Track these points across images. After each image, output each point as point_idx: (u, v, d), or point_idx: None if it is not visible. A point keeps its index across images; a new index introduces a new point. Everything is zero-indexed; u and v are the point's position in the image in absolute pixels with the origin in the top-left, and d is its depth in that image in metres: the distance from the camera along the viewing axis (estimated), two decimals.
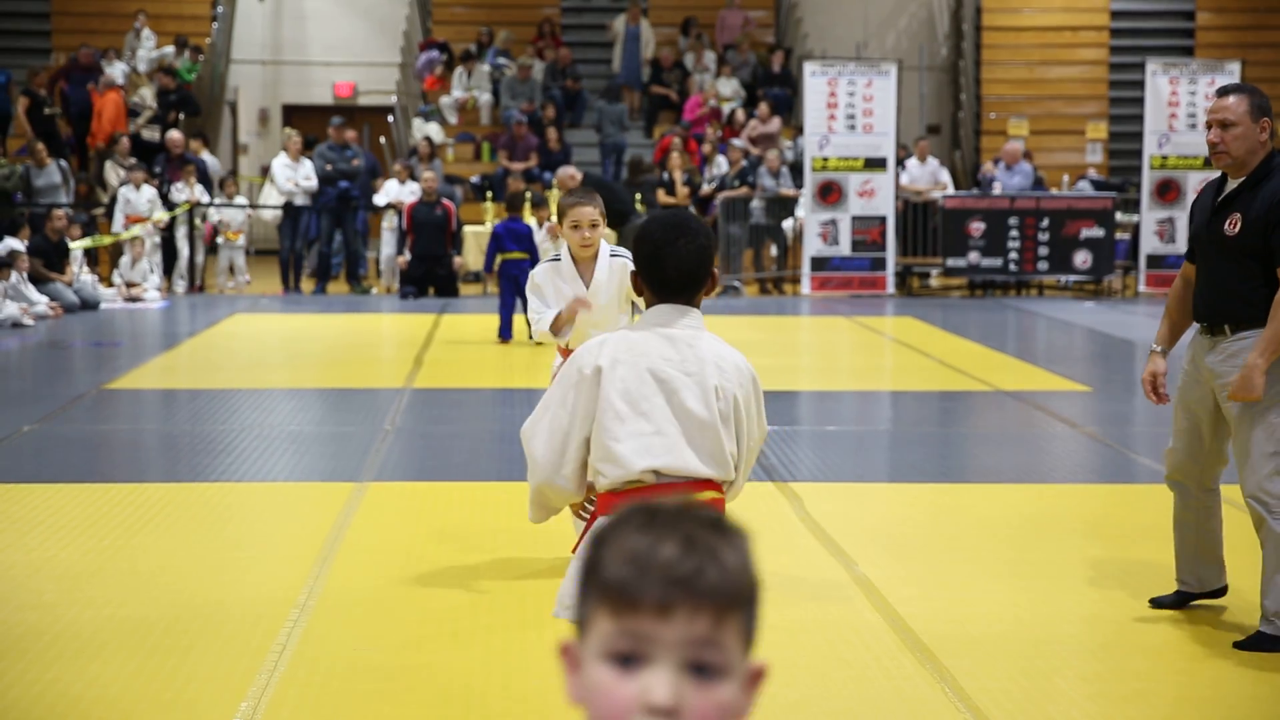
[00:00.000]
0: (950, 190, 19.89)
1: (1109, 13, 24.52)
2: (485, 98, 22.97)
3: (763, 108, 21.18)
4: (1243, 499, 5.31)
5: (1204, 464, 5.45)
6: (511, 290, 13.36)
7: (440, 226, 17.80)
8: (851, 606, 5.67)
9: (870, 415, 10.55)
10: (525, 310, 11.45)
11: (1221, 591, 5.61)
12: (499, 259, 13.72)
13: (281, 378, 11.63)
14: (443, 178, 19.44)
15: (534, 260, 12.98)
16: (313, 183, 18.60)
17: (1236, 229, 5.21)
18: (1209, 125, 5.35)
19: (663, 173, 19.66)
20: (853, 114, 18.56)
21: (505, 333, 13.46)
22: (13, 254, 15.19)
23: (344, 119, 19.85)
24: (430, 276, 17.90)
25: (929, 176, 19.41)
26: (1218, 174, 5.48)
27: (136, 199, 17.69)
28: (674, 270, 4.25)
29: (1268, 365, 5.09)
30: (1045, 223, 18.43)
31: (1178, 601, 5.62)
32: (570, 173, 14.75)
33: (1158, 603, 5.64)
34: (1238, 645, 5.22)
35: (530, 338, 5.89)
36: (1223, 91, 5.35)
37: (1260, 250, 5.17)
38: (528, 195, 15.72)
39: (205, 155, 19.77)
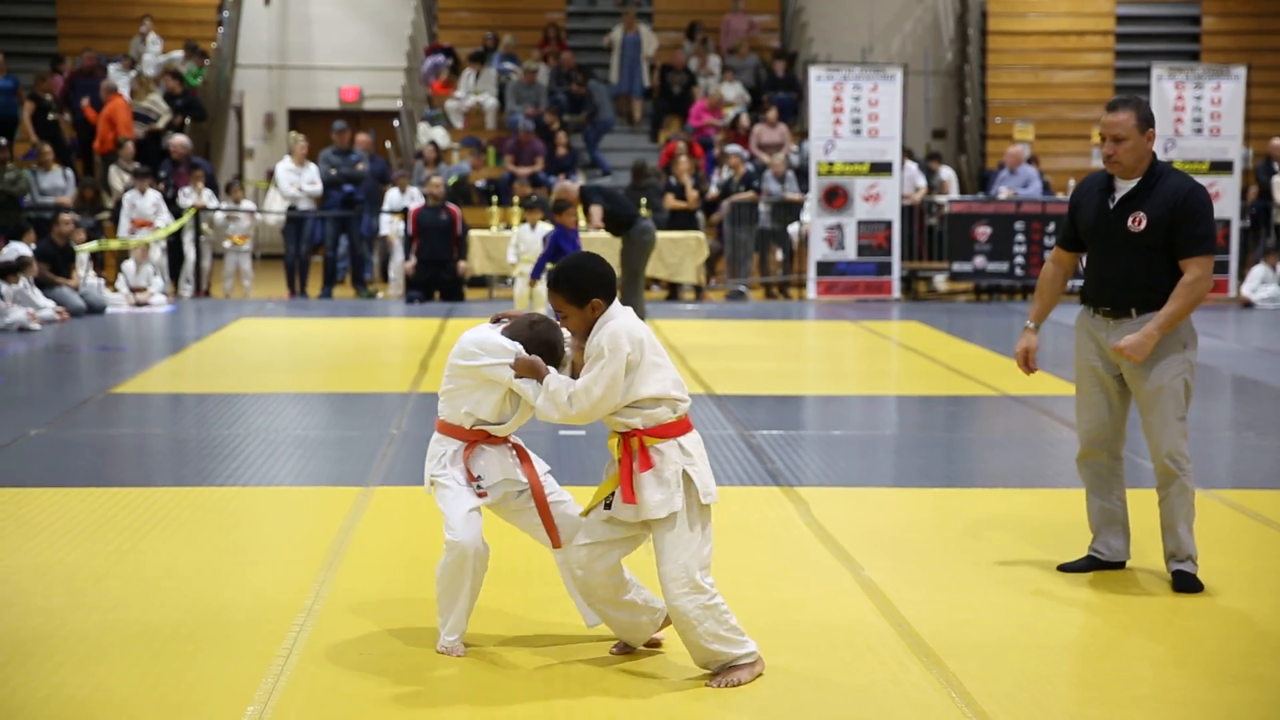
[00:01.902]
0: (955, 194, 19.89)
1: (1114, 17, 24.52)
2: (490, 102, 22.99)
3: (770, 113, 21.18)
4: (1151, 464, 6.01)
5: (1113, 433, 6.13)
6: None
7: (445, 231, 17.83)
8: (858, 611, 5.67)
9: (876, 420, 10.55)
10: None
11: (1123, 564, 6.21)
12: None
13: (288, 382, 11.64)
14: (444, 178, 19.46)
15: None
16: (317, 187, 18.62)
17: (1142, 226, 5.94)
18: (1102, 139, 5.99)
19: (670, 177, 19.66)
20: (858, 118, 18.56)
21: None
22: (21, 259, 15.21)
23: (349, 123, 19.88)
24: (436, 281, 17.92)
25: (907, 182, 19.35)
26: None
27: (142, 203, 17.72)
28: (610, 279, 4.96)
29: (1160, 336, 5.86)
30: (1051, 227, 18.42)
31: (1086, 566, 6.20)
32: (565, 186, 14.64)
33: (1067, 568, 6.20)
34: (1176, 589, 5.92)
35: None
36: (1112, 107, 5.99)
37: (1163, 244, 5.92)
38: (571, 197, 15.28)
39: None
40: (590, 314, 4.89)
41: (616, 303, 4.93)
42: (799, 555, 6.52)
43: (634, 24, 23.38)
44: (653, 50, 23.48)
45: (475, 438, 5.11)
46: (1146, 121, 5.94)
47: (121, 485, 7.79)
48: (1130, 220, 5.96)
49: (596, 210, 14.00)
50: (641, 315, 13.92)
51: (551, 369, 4.96)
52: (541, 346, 5.01)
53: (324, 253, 19.13)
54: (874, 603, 5.77)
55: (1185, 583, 5.94)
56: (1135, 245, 5.95)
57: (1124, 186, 6.01)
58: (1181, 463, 5.93)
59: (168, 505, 7.26)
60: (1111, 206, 6.03)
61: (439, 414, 5.17)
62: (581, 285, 4.86)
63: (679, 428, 4.92)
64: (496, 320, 5.16)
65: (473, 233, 18.25)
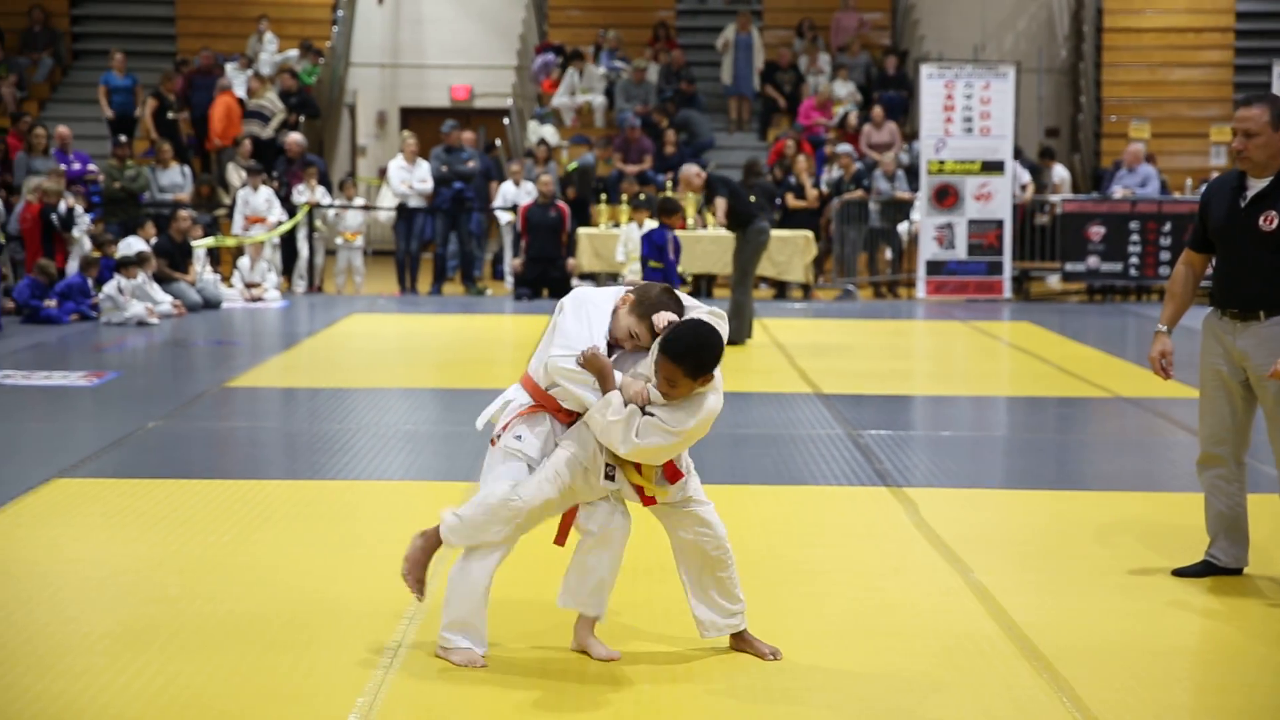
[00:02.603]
0: (1069, 194, 19.62)
1: (1234, 13, 24.03)
2: (599, 100, 23.05)
3: (876, 112, 21.03)
4: (1277, 470, 5.99)
5: (1235, 438, 6.04)
6: None
7: (555, 228, 17.90)
8: (967, 613, 5.61)
9: (986, 421, 10.44)
10: None
11: (1240, 570, 6.09)
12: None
13: (397, 377, 11.76)
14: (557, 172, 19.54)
15: (667, 271, 12.22)
16: (428, 185, 18.78)
17: (1274, 225, 5.82)
18: (1234, 133, 5.91)
19: (788, 176, 19.59)
20: (970, 117, 18.39)
21: None
22: (140, 254, 15.50)
23: (459, 122, 20.03)
24: (544, 278, 18.00)
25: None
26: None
27: (255, 200, 17.99)
28: None
29: None
30: (1168, 227, 18.12)
31: (1202, 571, 6.09)
32: (695, 170, 14.20)
33: (1182, 573, 6.09)
34: None
35: None
36: (1246, 102, 5.91)
37: None
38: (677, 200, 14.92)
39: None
40: (700, 385, 4.76)
41: (717, 372, 4.82)
42: (906, 556, 6.46)
43: (748, 25, 23.30)
44: (761, 60, 23.38)
45: (546, 403, 5.02)
46: None
47: (235, 478, 7.91)
48: (1262, 219, 5.84)
49: (721, 204, 13.67)
50: (749, 315, 13.84)
51: (616, 391, 4.81)
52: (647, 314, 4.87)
53: (434, 249, 19.30)
54: (983, 605, 5.71)
55: None
56: (1267, 245, 5.84)
57: (1256, 185, 5.90)
58: None
59: (279, 498, 7.36)
60: (1243, 205, 5.92)
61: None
62: (707, 364, 4.72)
63: None
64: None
65: (581, 230, 18.32)
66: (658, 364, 4.77)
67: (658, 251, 12.57)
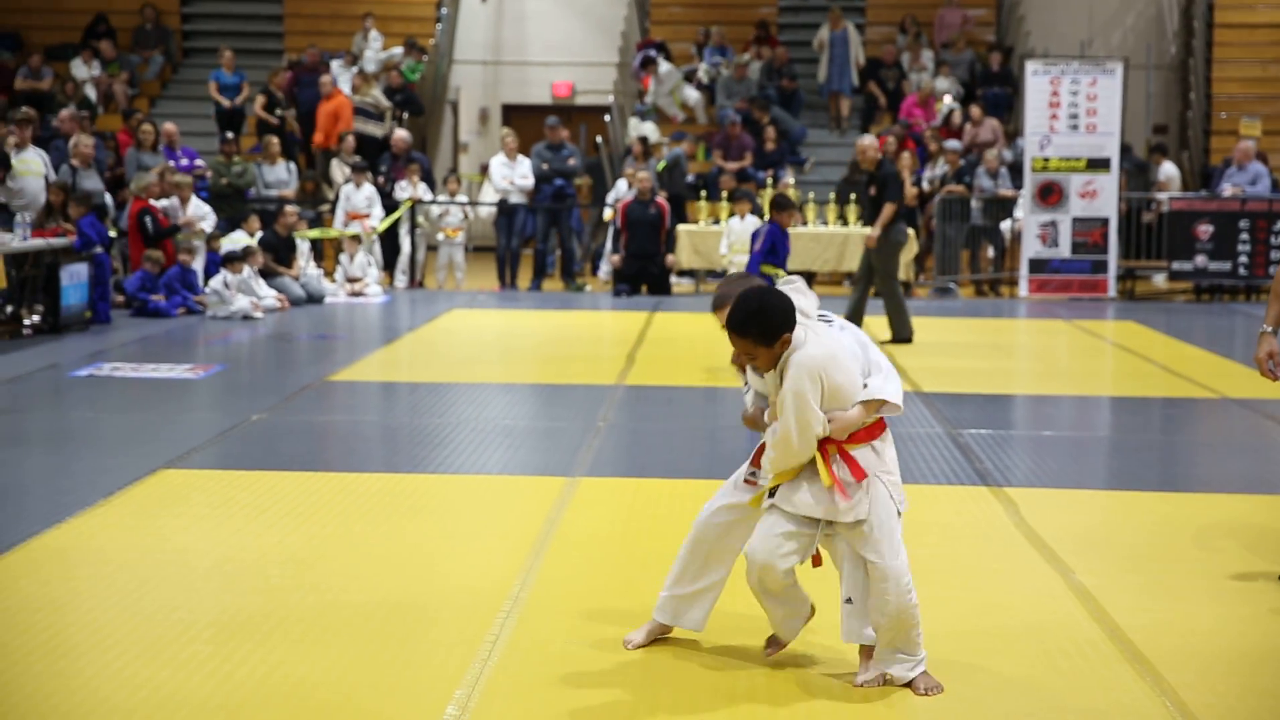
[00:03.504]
0: (1177, 191, 19.30)
1: None
2: (694, 96, 23.02)
3: (975, 111, 20.82)
4: None
5: None
6: None
7: (654, 225, 17.92)
8: (1068, 615, 5.55)
9: (1089, 421, 10.31)
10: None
11: None
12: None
13: (496, 373, 11.83)
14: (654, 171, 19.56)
15: (751, 262, 11.76)
16: (529, 181, 18.88)
17: None
18: None
19: None
20: (1075, 113, 18.15)
21: None
22: (246, 249, 15.73)
23: (561, 118, 20.11)
24: (643, 274, 18.03)
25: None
26: None
27: (356, 197, 18.19)
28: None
29: None
30: (1278, 225, 17.77)
31: None
32: (870, 141, 14.08)
33: None
34: None
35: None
36: None
37: None
38: (795, 197, 14.37)
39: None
40: (780, 349, 4.65)
41: (799, 328, 4.69)
42: (1007, 557, 6.40)
43: (840, 21, 23.16)
44: (861, 56, 23.22)
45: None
46: None
47: (336, 470, 8.00)
48: None
49: (889, 208, 13.51)
50: (907, 316, 13.68)
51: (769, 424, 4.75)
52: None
53: (534, 245, 19.39)
54: (1085, 607, 5.64)
55: None
56: None
57: None
58: None
59: (379, 491, 7.44)
60: None
61: None
62: (774, 325, 4.60)
63: (872, 431, 4.77)
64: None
65: (681, 227, 18.32)
66: (735, 347, 4.72)
67: (778, 250, 11.83)
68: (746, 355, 4.71)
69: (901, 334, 13.66)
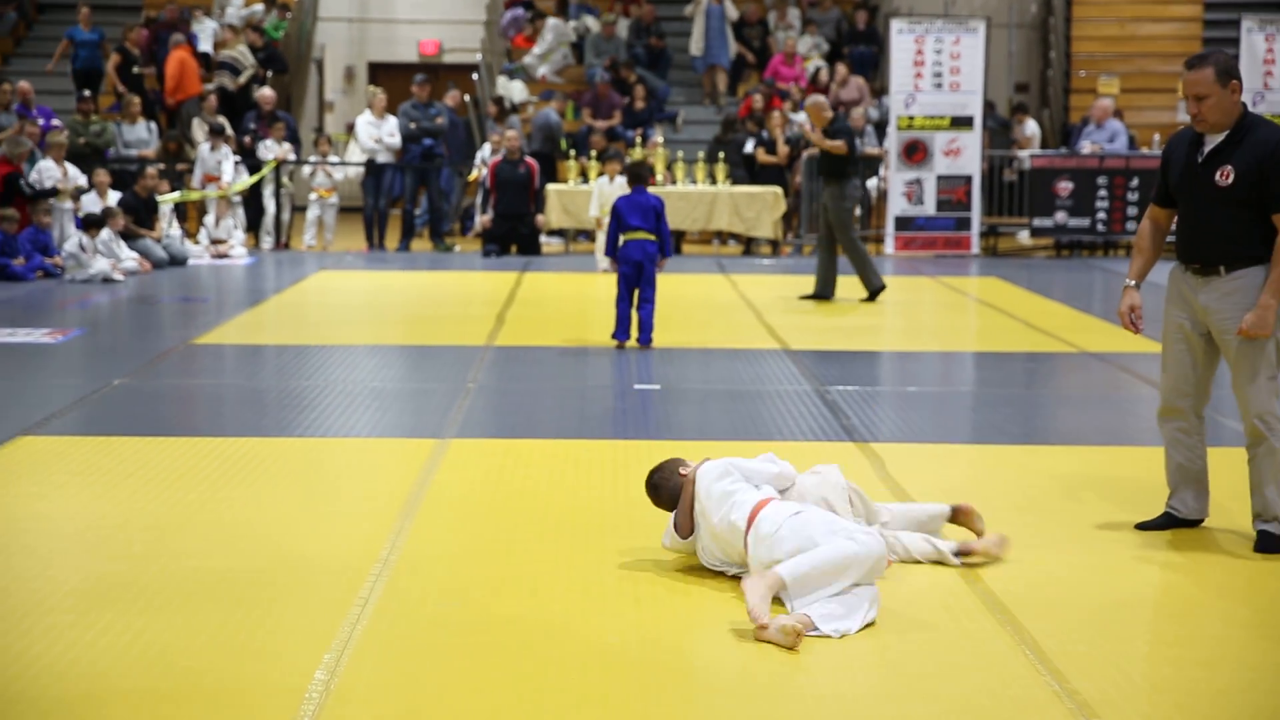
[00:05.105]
0: (1038, 149, 19.63)
1: None
2: (564, 55, 22.90)
3: (840, 70, 20.96)
4: (1241, 423, 6.02)
5: (1196, 391, 6.09)
6: (632, 280, 10.83)
7: (523, 185, 17.84)
8: (931, 567, 5.64)
9: (953, 376, 10.48)
10: (642, 304, 10.86)
11: (1200, 521, 6.17)
12: (621, 240, 10.89)
13: (365, 334, 11.73)
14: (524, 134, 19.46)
15: (664, 243, 10.90)
16: (396, 140, 18.69)
17: (1230, 180, 5.85)
18: (1186, 97, 5.94)
19: (761, 130, 19.54)
20: (939, 72, 18.36)
21: (622, 333, 10.90)
22: (107, 210, 15.39)
23: (428, 77, 19.91)
24: (513, 234, 17.95)
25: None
26: None
27: (209, 159, 17.85)
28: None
29: (1278, 304, 5.77)
30: (1135, 182, 18.16)
31: (1164, 524, 6.15)
32: (822, 100, 13.93)
33: (1145, 526, 6.16)
34: (1258, 549, 5.88)
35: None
36: (1190, 64, 5.91)
37: (1253, 199, 5.81)
38: (651, 163, 14.06)
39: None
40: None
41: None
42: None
43: None
44: (735, 17, 23.18)
45: None
46: (1228, 74, 5.85)
47: (201, 435, 7.90)
48: (1218, 174, 5.88)
49: (842, 145, 13.47)
50: (872, 266, 13.75)
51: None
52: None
53: (402, 206, 19.21)
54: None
55: (1268, 543, 5.89)
56: (1223, 200, 5.87)
57: (1212, 141, 5.93)
58: (1271, 422, 5.87)
59: (246, 455, 7.35)
60: (1200, 161, 5.95)
61: None
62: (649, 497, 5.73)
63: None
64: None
65: (550, 186, 18.26)
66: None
67: (654, 217, 10.96)
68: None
69: (874, 285, 13.75)
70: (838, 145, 13.48)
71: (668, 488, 5.65)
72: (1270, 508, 5.90)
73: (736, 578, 5.30)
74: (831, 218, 13.70)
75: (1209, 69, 5.83)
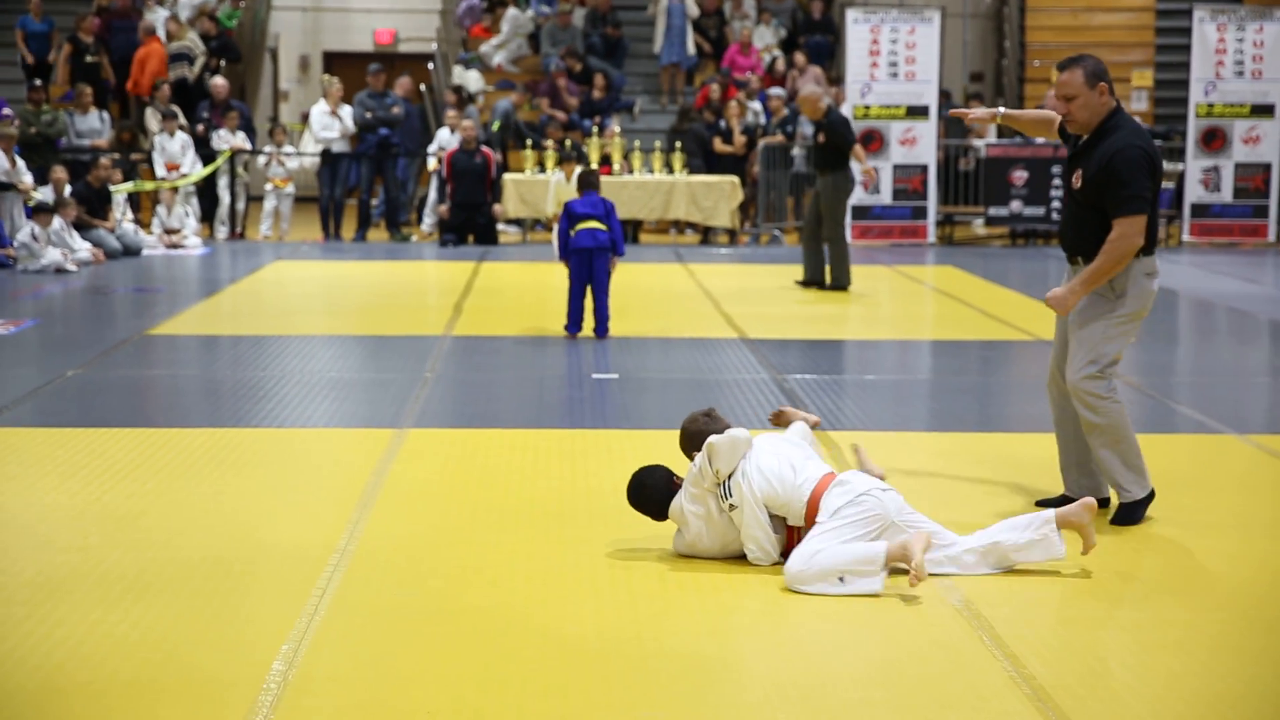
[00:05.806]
0: (993, 138, 19.73)
1: None
2: (521, 45, 22.84)
3: (798, 58, 20.97)
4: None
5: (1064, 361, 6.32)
6: (584, 271, 10.74)
7: (480, 174, 17.79)
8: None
9: (910, 364, 10.52)
10: (596, 296, 10.85)
11: (1106, 502, 6.25)
12: (572, 231, 10.71)
13: (322, 324, 11.68)
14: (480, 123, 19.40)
15: (615, 241, 10.71)
16: (349, 126, 18.60)
17: (1079, 184, 6.09)
18: (1058, 98, 6.09)
19: (718, 120, 19.54)
20: (895, 61, 18.42)
21: (574, 326, 10.87)
22: (59, 200, 15.26)
23: (384, 66, 19.82)
24: (470, 224, 17.91)
25: None
26: None
27: (171, 146, 17.75)
28: None
29: (1085, 292, 6.03)
30: None
31: (1060, 504, 6.12)
32: (816, 90, 14.08)
33: (1043, 503, 6.26)
34: (1114, 521, 6.11)
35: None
36: (1061, 66, 6.07)
37: (1097, 202, 6.02)
38: (596, 170, 14.02)
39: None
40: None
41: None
42: None
43: None
44: (696, 14, 23.12)
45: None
46: (1096, 76, 6.01)
47: (157, 426, 7.84)
48: (1073, 177, 6.14)
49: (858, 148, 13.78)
50: (849, 264, 13.82)
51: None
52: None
53: (358, 196, 19.13)
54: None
55: (1126, 515, 6.14)
56: (1078, 200, 6.13)
57: (1079, 143, 6.16)
58: (1085, 397, 6.08)
59: (203, 446, 7.31)
60: (1067, 160, 6.25)
61: None
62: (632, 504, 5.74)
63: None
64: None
65: (507, 176, 18.22)
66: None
67: (605, 214, 10.73)
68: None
69: (840, 281, 13.77)
70: (867, 166, 13.91)
71: (656, 499, 5.65)
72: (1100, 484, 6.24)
73: (729, 560, 5.38)
74: (824, 207, 13.75)
75: (1078, 70, 6.01)
